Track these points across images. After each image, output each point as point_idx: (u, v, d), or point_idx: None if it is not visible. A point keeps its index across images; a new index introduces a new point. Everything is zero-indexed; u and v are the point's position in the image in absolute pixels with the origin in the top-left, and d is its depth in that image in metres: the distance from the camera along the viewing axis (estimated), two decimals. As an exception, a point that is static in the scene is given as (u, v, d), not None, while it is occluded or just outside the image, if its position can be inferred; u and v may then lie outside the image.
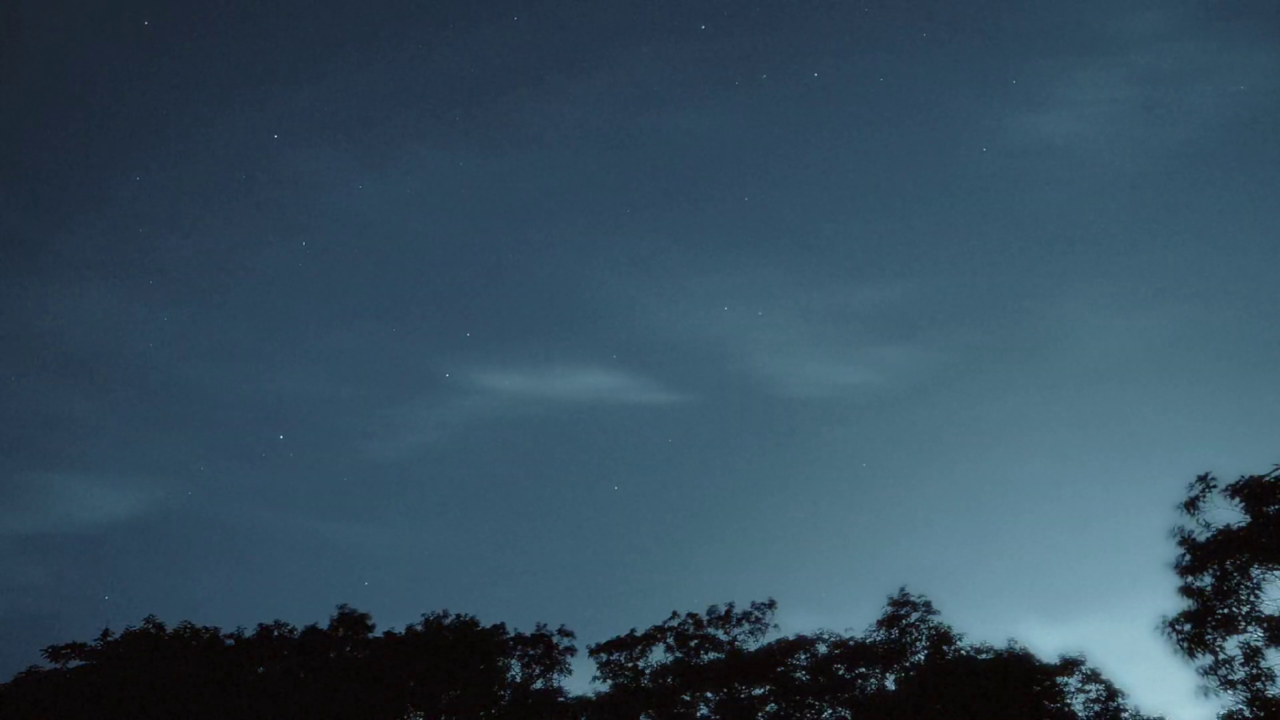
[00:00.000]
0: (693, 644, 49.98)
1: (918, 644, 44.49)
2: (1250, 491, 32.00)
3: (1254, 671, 32.03)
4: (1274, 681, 31.90)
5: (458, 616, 53.01)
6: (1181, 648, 32.80)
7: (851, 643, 45.85)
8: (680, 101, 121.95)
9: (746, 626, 49.71)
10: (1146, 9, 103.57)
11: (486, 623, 52.83)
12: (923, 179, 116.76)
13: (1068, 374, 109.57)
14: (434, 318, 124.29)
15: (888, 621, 45.13)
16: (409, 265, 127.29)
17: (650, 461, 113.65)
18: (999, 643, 42.93)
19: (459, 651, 50.81)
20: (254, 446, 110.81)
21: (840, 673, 45.58)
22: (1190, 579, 33.19)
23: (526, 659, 51.81)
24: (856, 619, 54.22)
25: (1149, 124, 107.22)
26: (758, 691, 47.08)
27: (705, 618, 50.41)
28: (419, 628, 52.62)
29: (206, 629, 52.41)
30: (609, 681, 49.84)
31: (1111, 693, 40.75)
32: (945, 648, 43.60)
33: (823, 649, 46.85)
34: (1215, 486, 32.95)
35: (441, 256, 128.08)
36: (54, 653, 49.22)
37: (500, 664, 51.47)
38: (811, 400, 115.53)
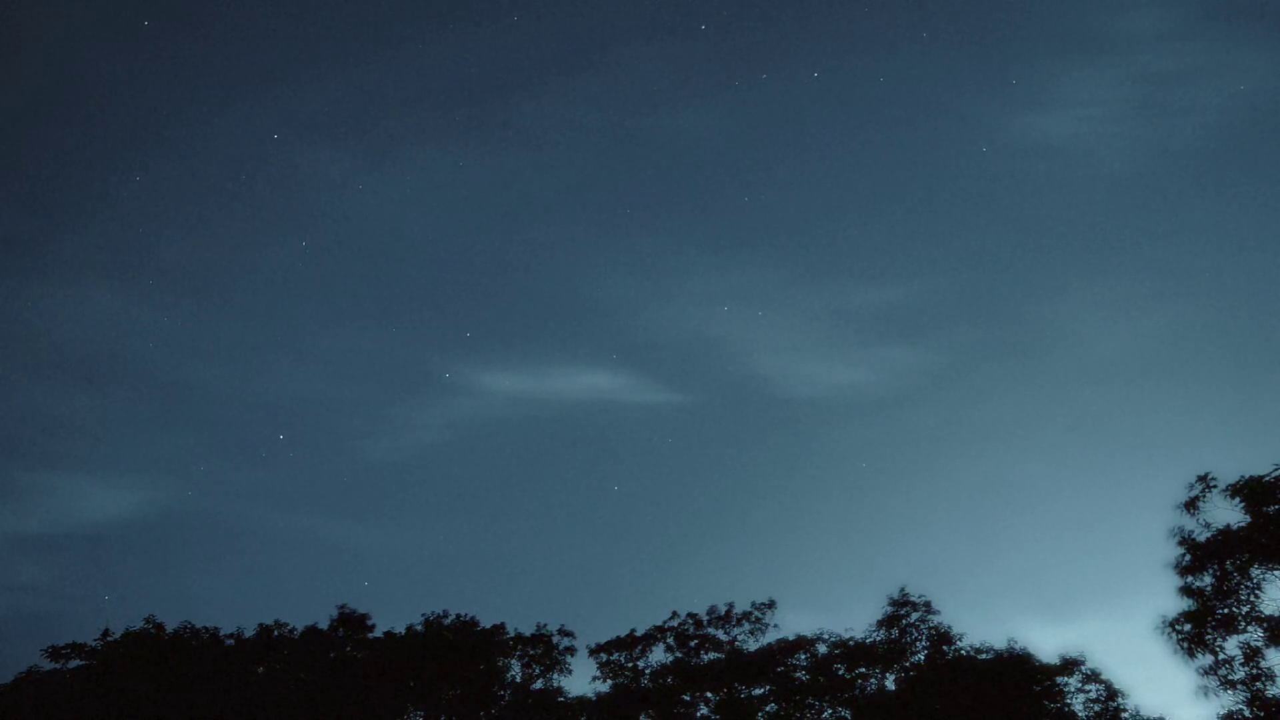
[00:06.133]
0: (693, 644, 49.99)
1: (918, 644, 44.48)
2: (1250, 491, 31.97)
3: (1254, 671, 32.01)
4: (1274, 681, 31.89)
5: (458, 616, 53.02)
6: (1181, 648, 32.78)
7: (851, 643, 45.84)
8: (680, 101, 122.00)
9: (746, 626, 49.74)
10: (1146, 9, 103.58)
11: (486, 623, 52.87)
12: (923, 179, 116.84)
13: (1068, 374, 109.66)
14: (434, 318, 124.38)
15: (888, 621, 45.11)
16: (409, 265, 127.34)
17: (650, 461, 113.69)
18: (999, 643, 43.02)
19: (459, 651, 50.81)
20: (254, 446, 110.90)
21: (840, 673, 45.57)
22: (1190, 579, 33.17)
23: (526, 659, 51.82)
24: (856, 619, 54.27)
25: (1149, 124, 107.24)
26: (758, 691, 47.08)
27: (705, 618, 50.44)
28: (419, 628, 52.62)
29: (206, 629, 52.40)
30: (609, 681, 49.86)
31: (1111, 693, 40.78)
32: (945, 648, 43.60)
33: (823, 649, 46.84)
34: (1215, 486, 32.92)
35: (441, 256, 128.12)
36: (54, 653, 49.22)
37: (500, 664, 51.47)
38: (811, 400, 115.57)
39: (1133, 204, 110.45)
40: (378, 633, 52.93)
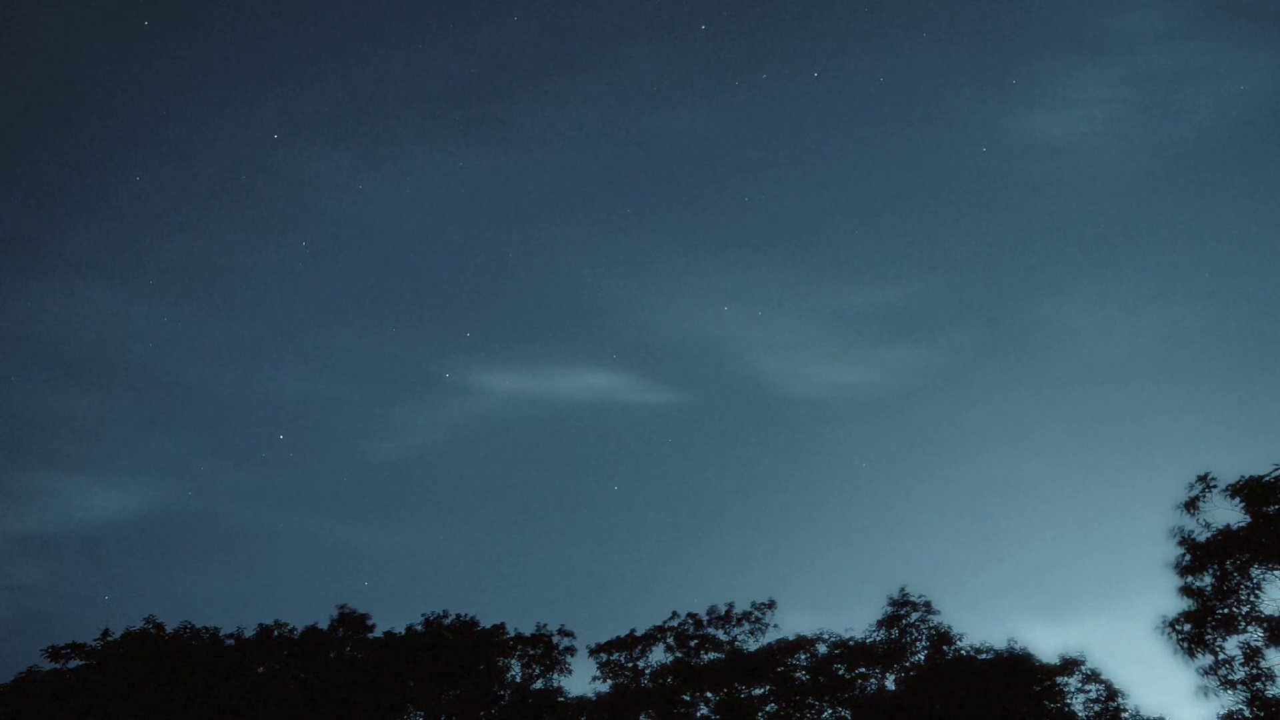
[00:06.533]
0: (693, 644, 49.99)
1: (918, 644, 44.50)
2: (1250, 491, 31.95)
3: (1254, 671, 32.00)
4: (1274, 681, 31.89)
5: (458, 616, 53.02)
6: (1181, 648, 32.77)
7: (851, 643, 45.85)
8: (680, 101, 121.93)
9: (746, 626, 49.73)
10: (1146, 9, 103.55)
11: (486, 623, 52.86)
12: (923, 179, 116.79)
13: (1068, 374, 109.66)
14: (434, 318, 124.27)
15: (888, 621, 45.12)
16: (409, 265, 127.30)
17: (650, 461, 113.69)
18: (999, 643, 43.04)
19: (459, 651, 50.81)
20: (254, 446, 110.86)
21: (840, 673, 45.58)
22: (1190, 579, 33.16)
23: (526, 659, 51.81)
24: (856, 619, 54.12)
25: (1149, 124, 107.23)
26: (758, 691, 47.08)
27: (705, 618, 50.43)
28: (419, 628, 52.62)
29: (206, 629, 52.39)
30: (609, 681, 49.86)
31: (1111, 693, 40.79)
32: (945, 648, 43.61)
33: (823, 649, 46.84)
34: (1215, 486, 32.89)
35: (441, 256, 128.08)
36: (54, 653, 49.19)
37: (500, 664, 51.47)
38: (811, 400, 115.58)
39: (1133, 204, 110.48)
40: (378, 633, 52.93)
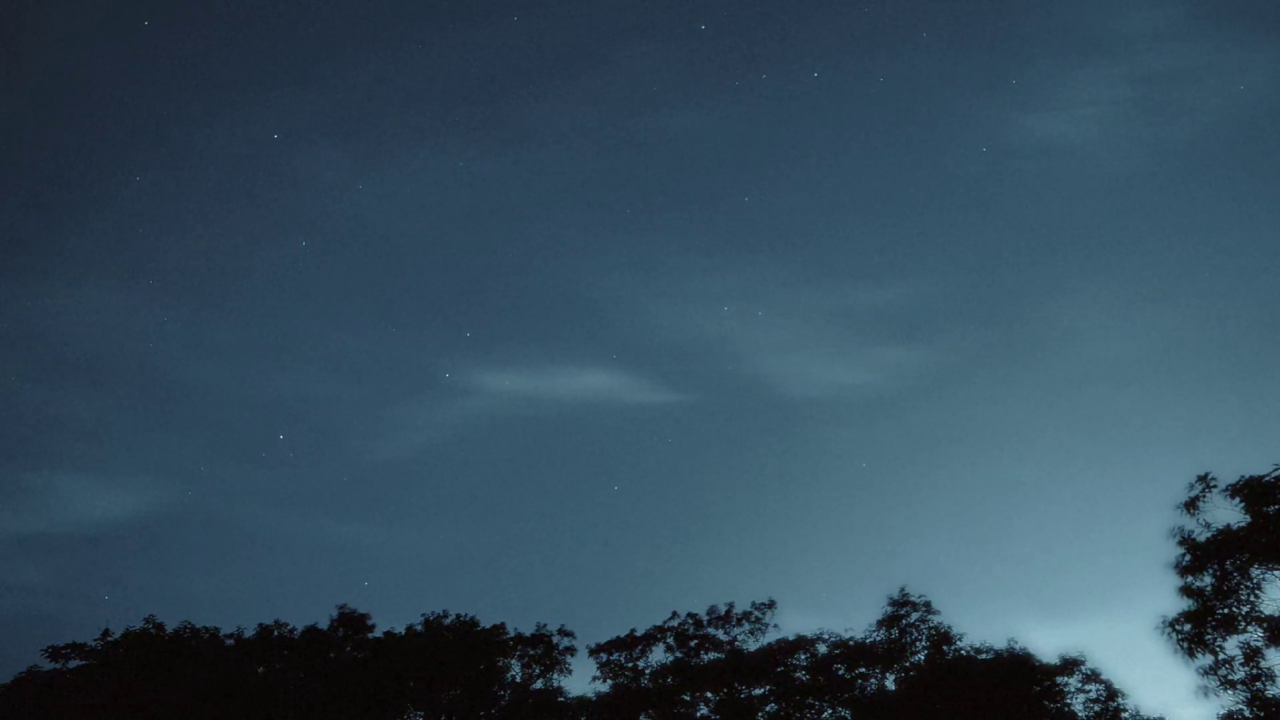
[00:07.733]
0: (693, 644, 49.99)
1: (918, 644, 44.50)
2: (1250, 491, 31.98)
3: (1254, 671, 32.02)
4: (1274, 681, 31.90)
5: (458, 616, 53.02)
6: (1181, 648, 32.80)
7: (851, 643, 45.85)
8: (680, 101, 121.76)
9: (746, 626, 49.73)
10: (1146, 9, 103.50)
11: (486, 623, 52.85)
12: (923, 179, 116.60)
13: (1068, 374, 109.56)
14: (434, 318, 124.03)
15: (888, 621, 45.13)
16: (409, 265, 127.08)
17: (650, 461, 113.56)
18: (999, 643, 43.02)
19: (459, 651, 50.81)
20: (254, 446, 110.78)
21: (840, 673, 45.58)
22: (1190, 579, 33.19)
23: (526, 659, 51.82)
24: (856, 619, 54.00)
25: (1149, 124, 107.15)
26: (758, 691, 47.09)
27: (705, 618, 50.44)
28: (419, 628, 52.63)
29: (206, 629, 52.37)
30: (609, 681, 49.87)
31: (1111, 693, 40.80)
32: (945, 648, 43.61)
33: (823, 649, 46.85)
34: (1215, 486, 32.92)
35: (441, 256, 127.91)
36: (54, 653, 49.15)
37: (500, 664, 51.48)
38: (811, 400, 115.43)
39: (1133, 204, 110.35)
40: (378, 633, 52.92)
